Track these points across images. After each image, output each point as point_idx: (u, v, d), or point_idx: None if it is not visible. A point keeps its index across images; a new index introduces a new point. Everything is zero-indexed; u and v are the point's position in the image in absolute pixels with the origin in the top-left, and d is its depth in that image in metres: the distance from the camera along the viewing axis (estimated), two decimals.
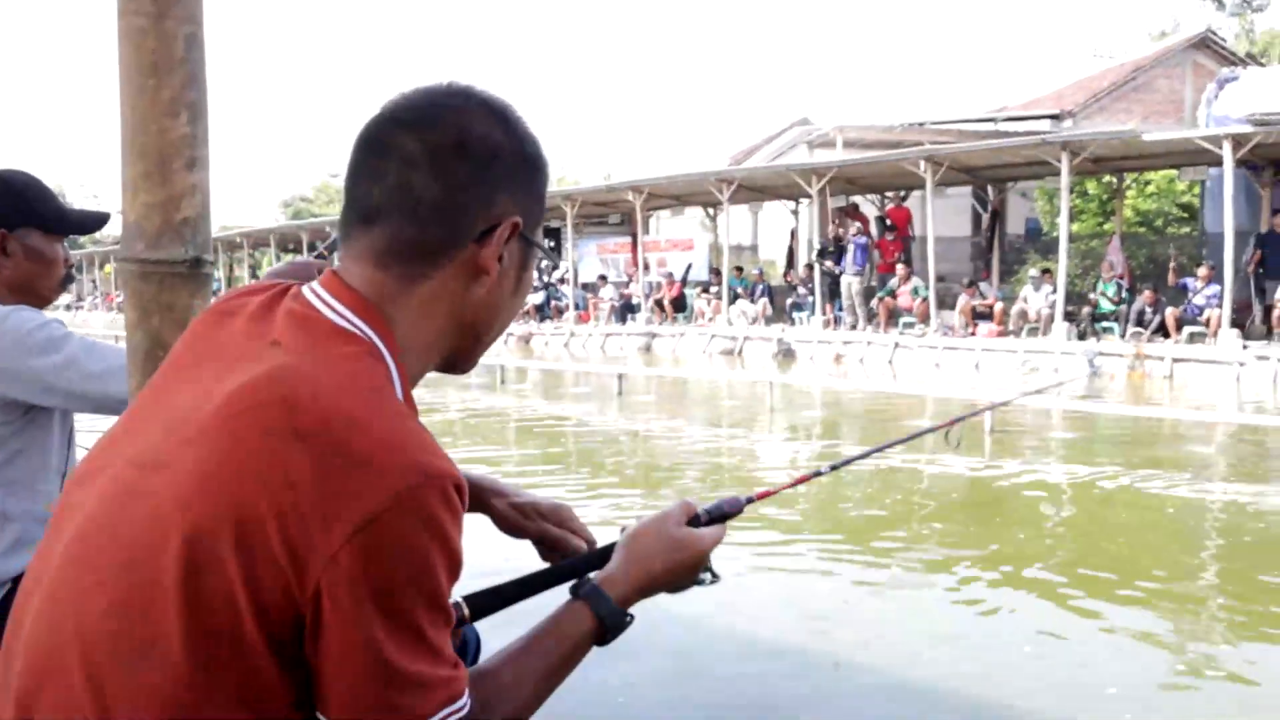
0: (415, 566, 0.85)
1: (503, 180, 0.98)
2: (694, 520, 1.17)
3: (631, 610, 1.10)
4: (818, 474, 1.46)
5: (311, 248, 32.87)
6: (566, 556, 1.29)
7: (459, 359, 1.05)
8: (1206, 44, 24.04)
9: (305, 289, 0.99)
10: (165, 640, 0.84)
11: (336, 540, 0.82)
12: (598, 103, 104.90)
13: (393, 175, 0.95)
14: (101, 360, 1.82)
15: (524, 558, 1.35)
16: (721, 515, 1.20)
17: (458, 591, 1.04)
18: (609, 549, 1.16)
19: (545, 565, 1.25)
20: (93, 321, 33.95)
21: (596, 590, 1.09)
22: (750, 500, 1.26)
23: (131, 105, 1.39)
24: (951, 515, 6.02)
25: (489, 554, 1.52)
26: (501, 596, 1.18)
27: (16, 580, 1.90)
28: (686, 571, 1.14)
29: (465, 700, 0.90)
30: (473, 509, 1.29)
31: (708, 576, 1.16)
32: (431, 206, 0.95)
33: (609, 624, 1.07)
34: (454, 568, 0.88)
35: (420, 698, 0.87)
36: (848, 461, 1.59)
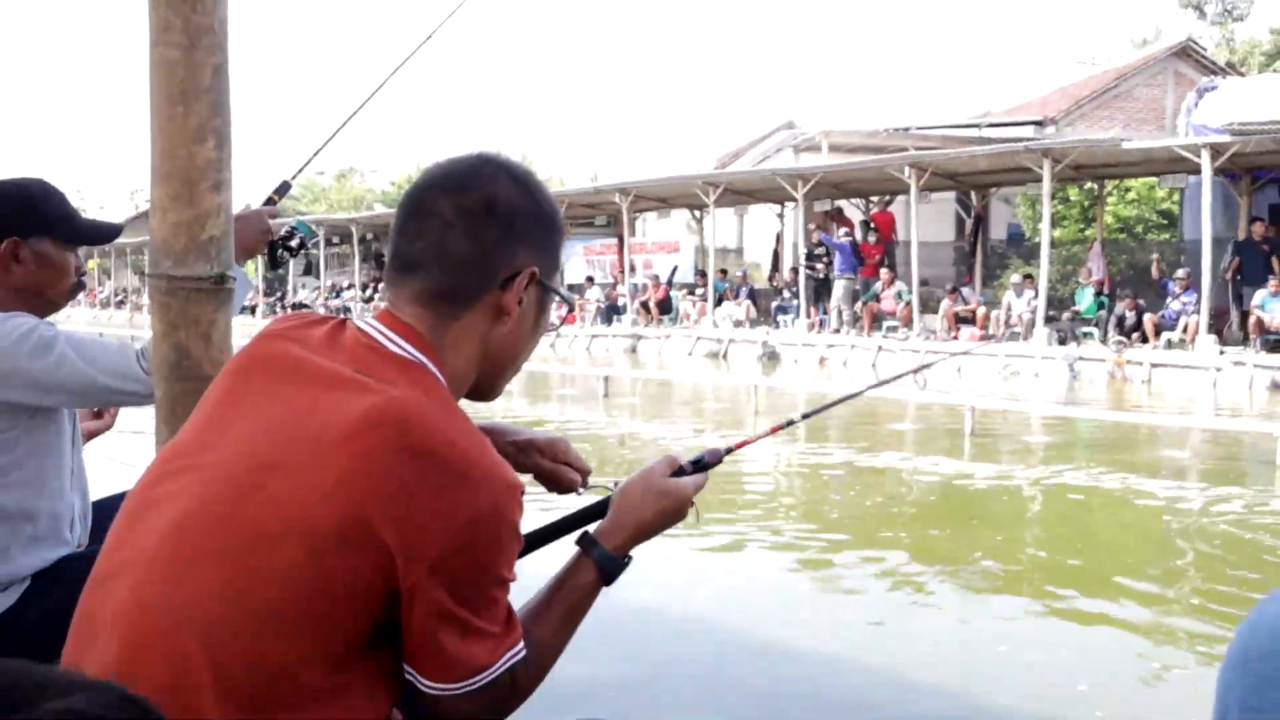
0: (499, 554, 1.07)
1: (522, 236, 1.17)
2: (679, 471, 1.33)
3: (630, 554, 1.28)
4: (791, 423, 1.62)
5: (302, 246, 32.62)
6: (563, 486, 1.47)
7: (485, 388, 1.23)
8: (1188, 53, 24.33)
9: (360, 322, 1.18)
10: (281, 612, 1.01)
11: (444, 540, 1.03)
12: (585, 105, 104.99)
13: (431, 234, 1.15)
14: (91, 355, 1.88)
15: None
16: (703, 465, 1.36)
17: None
18: (606, 501, 1.33)
19: (550, 520, 1.39)
20: (76, 317, 33.82)
21: (593, 541, 1.27)
22: (730, 450, 1.41)
23: (161, 130, 1.48)
24: (927, 517, 6.14)
25: None
26: (531, 541, 1.33)
27: (35, 576, 1.97)
28: (673, 516, 1.31)
29: (517, 652, 1.11)
30: None
31: (691, 516, 1.32)
32: (462, 260, 1.15)
33: (610, 570, 1.26)
34: (518, 547, 1.12)
35: (488, 649, 1.08)
36: (819, 410, 1.71)
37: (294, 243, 2.22)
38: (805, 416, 1.62)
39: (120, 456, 3.31)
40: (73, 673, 0.68)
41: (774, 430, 1.57)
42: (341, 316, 1.21)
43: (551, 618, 1.22)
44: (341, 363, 1.12)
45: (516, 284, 1.16)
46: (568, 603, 1.23)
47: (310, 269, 33.48)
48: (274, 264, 1.95)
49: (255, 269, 33.08)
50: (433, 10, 2.38)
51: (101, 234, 2.14)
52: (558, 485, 1.47)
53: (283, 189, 2.36)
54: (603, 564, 1.25)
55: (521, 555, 1.28)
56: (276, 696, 1.00)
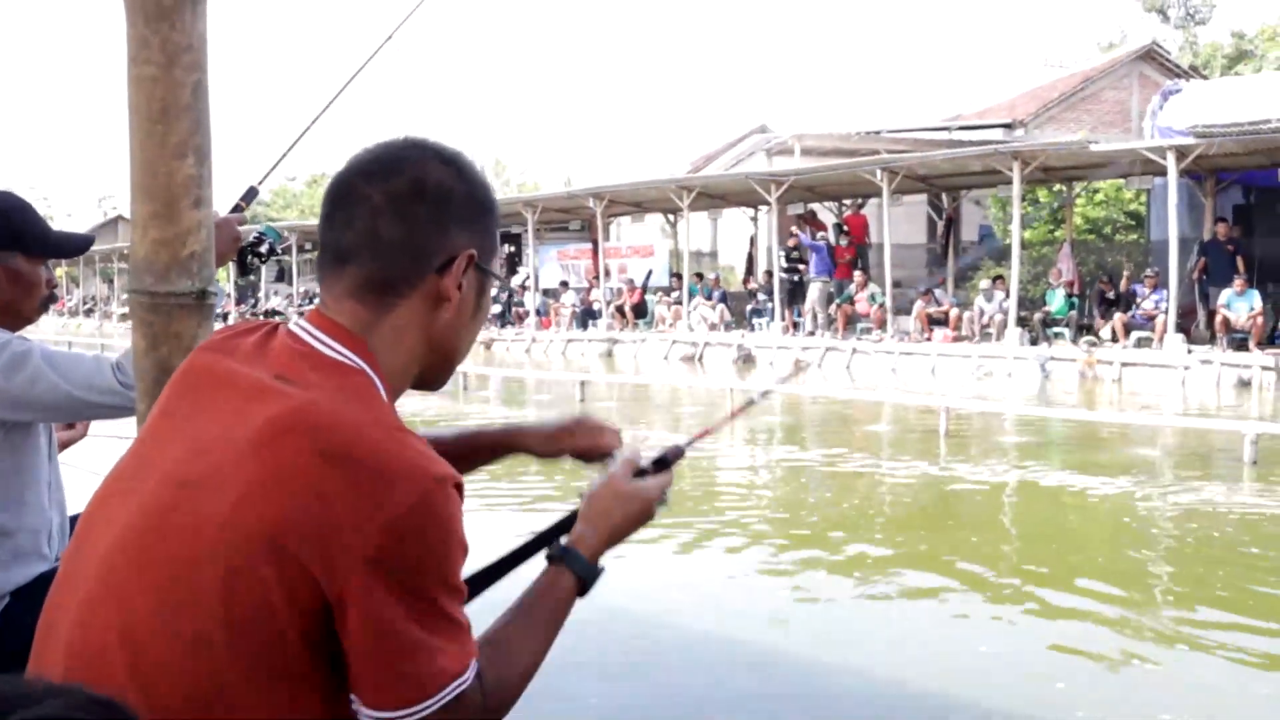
0: (433, 554, 1.00)
1: (456, 218, 1.13)
2: (641, 473, 1.31)
3: (601, 563, 1.25)
4: (751, 403, 1.64)
5: (272, 252, 32.43)
6: (603, 455, 1.44)
7: (431, 377, 1.19)
8: (1152, 56, 24.67)
9: (293, 325, 1.13)
10: (208, 636, 0.97)
11: (368, 542, 0.97)
12: (558, 109, 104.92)
13: (361, 221, 1.10)
14: (65, 370, 1.88)
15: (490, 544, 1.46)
16: (665, 463, 1.33)
17: None
18: (573, 515, 1.29)
19: (520, 541, 1.34)
20: (44, 326, 33.40)
21: (569, 551, 1.23)
22: (690, 443, 1.40)
23: (141, 148, 1.48)
24: (904, 518, 6.20)
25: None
26: (491, 575, 1.30)
27: (15, 592, 1.96)
28: (641, 517, 1.29)
29: (471, 673, 1.03)
30: (507, 452, 1.49)
31: (662, 507, 1.32)
32: (395, 245, 1.10)
33: (585, 577, 1.22)
34: (462, 551, 1.04)
35: (438, 668, 1.00)
36: (767, 392, 1.75)
37: (263, 249, 2.20)
38: (764, 394, 1.64)
39: (102, 469, 3.27)
40: (38, 680, 0.70)
41: (736, 413, 1.57)
42: (275, 321, 1.17)
43: (528, 632, 1.16)
44: (267, 370, 1.07)
45: (455, 268, 1.11)
46: (545, 614, 1.18)
47: (283, 275, 33.23)
48: (244, 271, 1.94)
49: (227, 275, 32.86)
50: (397, 13, 2.39)
51: (73, 246, 2.11)
52: (599, 453, 1.45)
53: (250, 195, 2.35)
54: (580, 573, 1.22)
55: (495, 579, 1.27)
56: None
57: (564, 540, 1.26)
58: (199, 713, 0.96)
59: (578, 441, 1.46)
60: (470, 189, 1.14)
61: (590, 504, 1.27)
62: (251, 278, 34.33)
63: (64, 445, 2.47)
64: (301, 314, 1.16)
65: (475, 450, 1.48)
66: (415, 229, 1.10)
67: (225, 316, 29.32)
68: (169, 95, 1.46)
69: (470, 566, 1.28)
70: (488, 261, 1.16)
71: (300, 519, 0.97)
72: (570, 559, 1.22)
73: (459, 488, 1.03)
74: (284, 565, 0.97)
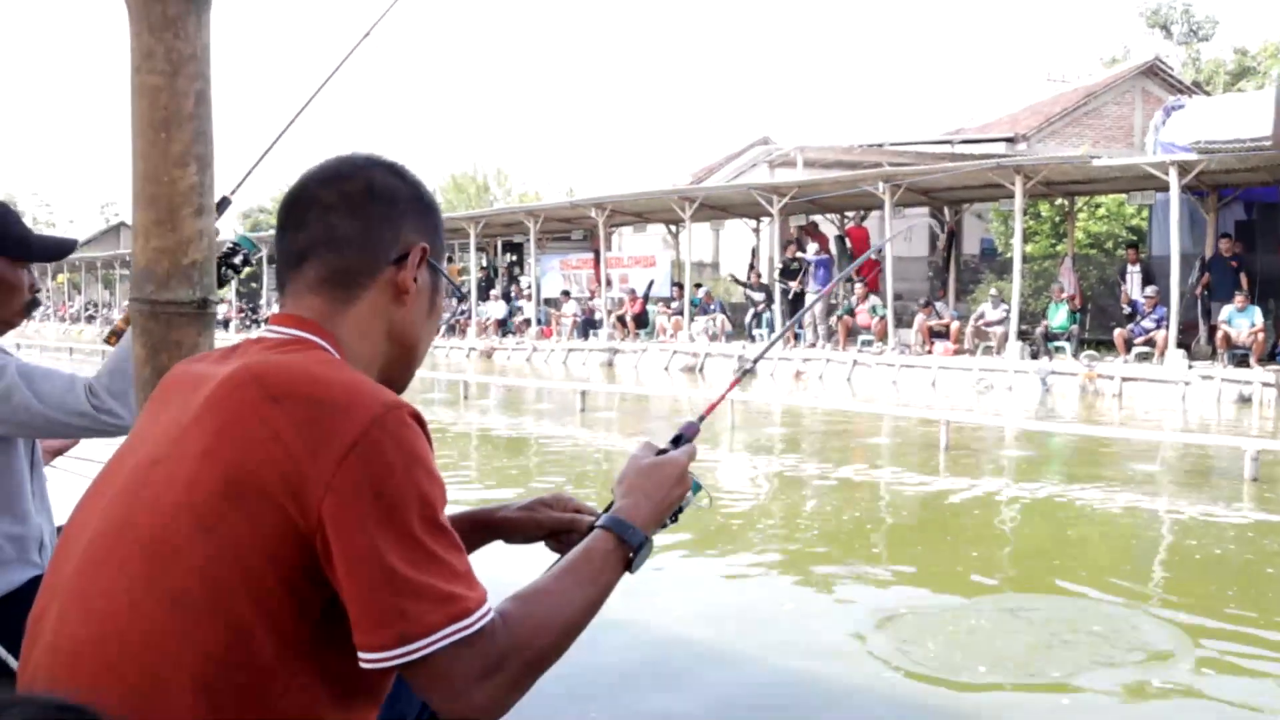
0: (400, 478, 0.99)
1: (406, 216, 1.19)
2: (661, 452, 1.31)
3: (650, 536, 1.21)
4: (746, 371, 1.68)
5: (271, 260, 32.43)
6: (580, 534, 1.35)
7: (393, 373, 1.21)
8: (1155, 72, 24.73)
9: (259, 330, 1.18)
10: (190, 595, 0.97)
11: (327, 469, 0.97)
12: (561, 120, 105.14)
13: (316, 220, 1.16)
14: (39, 389, 1.88)
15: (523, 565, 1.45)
16: (683, 440, 1.34)
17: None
18: (610, 505, 1.25)
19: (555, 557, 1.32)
20: (45, 332, 33.43)
21: (614, 518, 1.19)
22: (702, 418, 1.41)
23: (144, 156, 1.49)
24: (904, 532, 6.18)
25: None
26: None
27: (3, 599, 1.96)
28: (676, 484, 1.26)
29: (480, 615, 1.00)
30: (484, 534, 1.44)
31: (705, 500, 1.32)
32: (351, 238, 1.15)
33: (633, 543, 1.17)
34: (435, 481, 1.02)
35: (428, 608, 0.97)
36: (761, 355, 1.80)
37: (237, 259, 2.19)
38: (755, 360, 1.68)
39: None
40: (7, 694, 0.70)
41: (733, 384, 1.59)
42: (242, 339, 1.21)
43: (563, 589, 1.10)
44: (226, 362, 1.12)
45: (410, 260, 1.17)
46: (582, 575, 1.12)
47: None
48: (220, 282, 1.92)
49: (230, 287, 32.91)
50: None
51: (55, 249, 2.09)
52: (578, 531, 1.40)
53: (222, 205, 2.34)
54: (629, 537, 1.16)
55: None
56: (230, 678, 0.96)
57: (607, 514, 1.23)
58: (192, 673, 0.96)
59: (554, 514, 1.43)
60: (415, 191, 1.21)
61: (621, 482, 1.26)
62: (231, 286, 34.33)
63: (56, 453, 2.46)
64: None
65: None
66: (369, 223, 1.15)
67: (227, 324, 29.36)
68: (172, 104, 1.47)
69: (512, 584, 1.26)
70: (437, 259, 1.22)
71: (258, 460, 0.99)
72: (612, 523, 1.18)
73: (417, 418, 1.03)
74: (253, 508, 0.98)
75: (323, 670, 1.02)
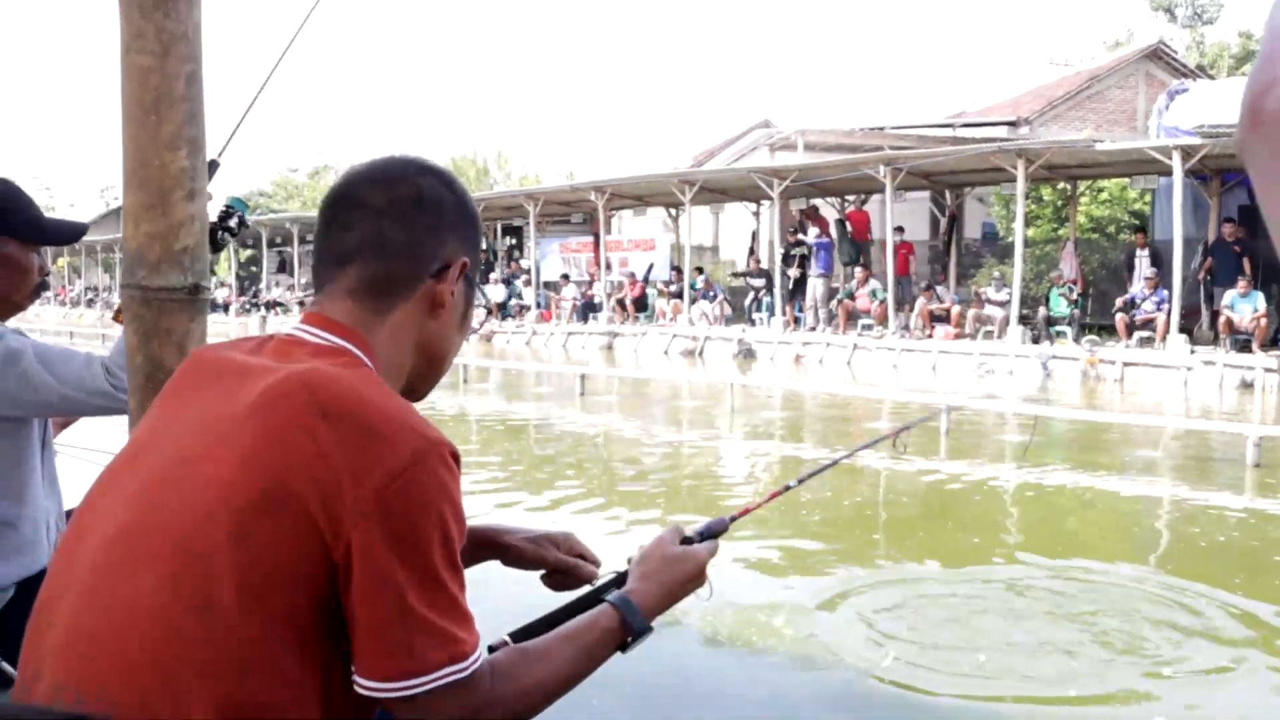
0: (431, 517, 1.00)
1: (451, 228, 1.18)
2: (686, 541, 1.32)
3: (652, 624, 1.22)
4: (788, 488, 1.63)
5: (272, 243, 32.55)
6: (578, 580, 1.42)
7: (418, 384, 1.21)
8: (1159, 55, 24.57)
9: (290, 328, 1.16)
10: (219, 602, 0.96)
11: (367, 496, 0.98)
12: (561, 103, 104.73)
13: (365, 223, 1.14)
14: (56, 369, 1.87)
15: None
16: (710, 534, 1.35)
17: (497, 633, 1.17)
18: (624, 574, 1.29)
19: (567, 599, 1.34)
20: (45, 316, 33.38)
21: (627, 600, 1.21)
22: (734, 519, 1.42)
23: (134, 139, 1.45)
24: (905, 518, 6.17)
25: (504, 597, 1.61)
26: (539, 627, 1.27)
27: (20, 584, 1.95)
28: (692, 581, 1.28)
29: (473, 661, 1.02)
30: (489, 552, 1.44)
31: (705, 590, 1.31)
32: (397, 247, 1.14)
33: (635, 628, 1.19)
34: (460, 524, 1.04)
35: (434, 645, 0.99)
36: (814, 474, 1.73)
37: (232, 223, 2.14)
38: (800, 481, 1.64)
39: (97, 450, 3.25)
40: (11, 706, 0.68)
41: (773, 496, 1.58)
42: (273, 333, 1.20)
43: (561, 653, 1.13)
44: (264, 358, 1.11)
45: (450, 274, 1.16)
46: (582, 644, 1.15)
47: (284, 266, 33.21)
48: (215, 247, 1.88)
49: (228, 267, 32.84)
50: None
51: (67, 233, 2.11)
52: (576, 577, 1.43)
53: (212, 168, 2.30)
54: (632, 621, 1.19)
55: (529, 635, 1.23)
56: (247, 689, 0.96)
57: (619, 591, 1.25)
58: (212, 681, 0.95)
59: (559, 555, 1.44)
60: (462, 203, 1.20)
61: (644, 561, 1.27)
62: (231, 270, 34.23)
63: (62, 427, 2.47)
64: (302, 304, 1.17)
65: None
66: (415, 233, 1.14)
67: (226, 307, 29.30)
68: (163, 85, 1.44)
69: (513, 619, 1.27)
70: (475, 274, 1.22)
71: (301, 475, 0.98)
72: (623, 604, 1.20)
73: (455, 457, 1.04)
74: (290, 521, 0.98)
75: (328, 692, 1.02)
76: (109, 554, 1.02)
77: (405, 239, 1.13)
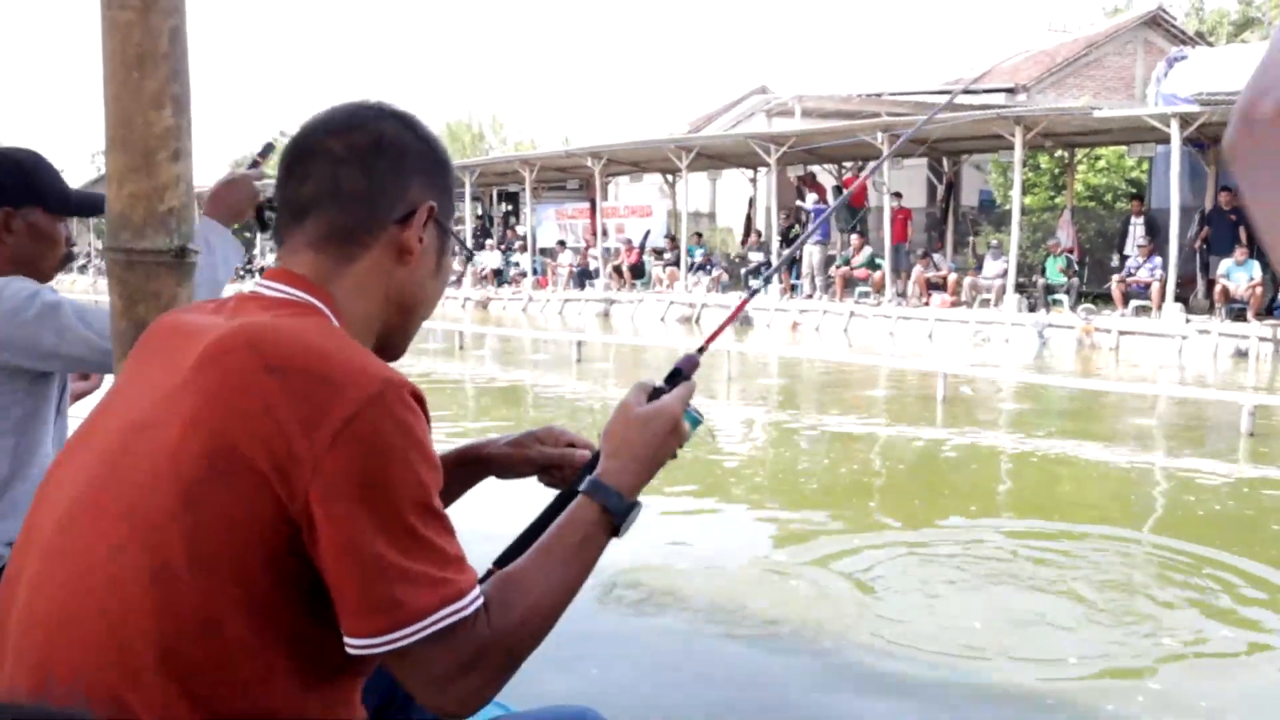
0: (394, 462, 0.94)
1: (415, 172, 1.13)
2: (656, 393, 1.20)
3: (639, 498, 1.14)
4: (754, 292, 1.62)
5: (261, 209, 32.19)
6: (575, 470, 1.31)
7: (392, 338, 1.16)
8: (1158, 22, 24.38)
9: (252, 284, 1.13)
10: (174, 572, 0.93)
11: (319, 447, 0.93)
12: (557, 68, 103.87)
13: (321, 172, 1.10)
14: (92, 323, 1.87)
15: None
16: (680, 376, 1.23)
17: (485, 560, 1.11)
18: (597, 454, 1.18)
19: (545, 505, 1.24)
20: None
21: (596, 483, 1.12)
22: (701, 350, 1.30)
23: (116, 98, 1.41)
24: (902, 485, 6.18)
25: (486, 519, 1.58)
26: (522, 544, 1.18)
27: (8, 546, 1.94)
28: (667, 438, 1.17)
29: (469, 601, 0.97)
30: (474, 472, 1.39)
31: (707, 433, 1.20)
32: (356, 194, 1.10)
33: (615, 510, 1.11)
34: (430, 465, 0.98)
35: (421, 592, 0.94)
36: (769, 275, 1.71)
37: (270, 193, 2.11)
38: (766, 280, 1.61)
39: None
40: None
41: (739, 309, 1.46)
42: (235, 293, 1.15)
43: (546, 567, 1.06)
44: (218, 316, 1.07)
45: (416, 219, 1.11)
46: (565, 550, 1.07)
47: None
48: (263, 226, 1.89)
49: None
50: None
51: (92, 205, 2.10)
52: (571, 466, 1.34)
53: (266, 150, 2.28)
54: (608, 504, 1.10)
55: (514, 556, 1.15)
56: (207, 658, 0.93)
57: (590, 477, 1.15)
58: (171, 654, 0.92)
59: (545, 450, 1.36)
60: (427, 146, 1.15)
61: (608, 437, 1.17)
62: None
63: (79, 396, 2.46)
64: None
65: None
66: (375, 179, 1.10)
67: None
68: (146, 41, 1.39)
69: (496, 543, 1.20)
70: (446, 219, 1.16)
71: (247, 433, 0.93)
72: (598, 492, 1.11)
73: (417, 396, 0.98)
74: (240, 484, 0.93)
75: (305, 653, 0.98)
76: (65, 527, 0.99)
77: (364, 186, 1.09)
